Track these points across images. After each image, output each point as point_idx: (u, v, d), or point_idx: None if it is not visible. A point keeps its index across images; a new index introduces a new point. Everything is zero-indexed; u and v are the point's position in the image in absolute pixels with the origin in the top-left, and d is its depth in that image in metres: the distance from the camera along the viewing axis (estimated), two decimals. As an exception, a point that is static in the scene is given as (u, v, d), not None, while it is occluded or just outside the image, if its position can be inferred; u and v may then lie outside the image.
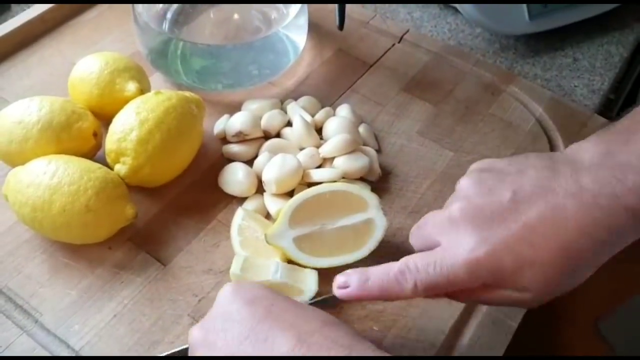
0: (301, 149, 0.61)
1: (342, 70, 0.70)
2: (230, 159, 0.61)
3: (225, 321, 0.40)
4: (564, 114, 0.67)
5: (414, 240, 0.45)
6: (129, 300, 0.51)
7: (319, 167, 0.60)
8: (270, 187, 0.57)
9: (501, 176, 0.42)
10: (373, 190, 0.57)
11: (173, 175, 0.58)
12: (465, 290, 0.41)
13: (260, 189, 0.58)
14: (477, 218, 0.41)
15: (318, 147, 0.60)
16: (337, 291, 0.44)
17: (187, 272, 0.53)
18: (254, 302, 0.40)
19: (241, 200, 0.58)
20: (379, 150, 0.62)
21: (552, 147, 0.64)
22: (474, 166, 0.46)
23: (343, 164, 0.59)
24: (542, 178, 0.41)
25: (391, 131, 0.64)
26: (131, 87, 0.59)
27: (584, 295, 0.79)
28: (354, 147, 0.59)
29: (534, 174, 0.41)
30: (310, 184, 0.57)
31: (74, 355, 0.48)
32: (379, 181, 0.59)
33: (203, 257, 0.54)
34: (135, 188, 0.56)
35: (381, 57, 0.71)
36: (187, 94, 0.59)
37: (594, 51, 0.77)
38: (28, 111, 0.55)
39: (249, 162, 0.60)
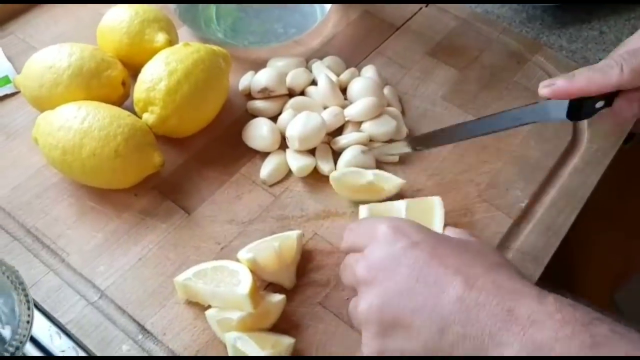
0: (325, 107, 0.61)
1: (368, 32, 0.70)
2: (254, 115, 0.62)
3: (391, 261, 0.41)
4: (588, 85, 0.66)
5: (615, 55, 0.46)
6: (154, 245, 0.52)
7: (342, 127, 0.61)
8: (293, 143, 0.57)
9: None
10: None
11: (199, 127, 0.59)
12: None
13: (283, 145, 0.59)
14: None
15: (342, 106, 0.61)
16: (542, 90, 0.46)
17: (211, 221, 0.54)
18: (418, 245, 0.41)
19: (264, 155, 0.59)
20: (402, 113, 0.63)
21: (575, 118, 0.64)
22: None
23: (370, 128, 0.59)
24: None
25: (415, 95, 0.65)
26: (160, 37, 0.59)
27: (599, 270, 0.80)
28: (379, 110, 0.60)
29: None
30: (337, 149, 0.59)
31: (99, 293, 0.50)
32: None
33: (226, 208, 0.55)
34: (161, 139, 0.57)
35: (408, 20, 0.71)
36: (215, 47, 0.60)
37: (620, 25, 0.76)
38: (59, 56, 0.56)
39: (273, 119, 0.61)
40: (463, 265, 0.39)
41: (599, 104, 0.46)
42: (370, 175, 0.55)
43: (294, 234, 0.52)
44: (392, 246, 0.41)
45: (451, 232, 0.49)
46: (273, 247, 0.50)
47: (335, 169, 0.57)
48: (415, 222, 0.44)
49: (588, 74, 0.45)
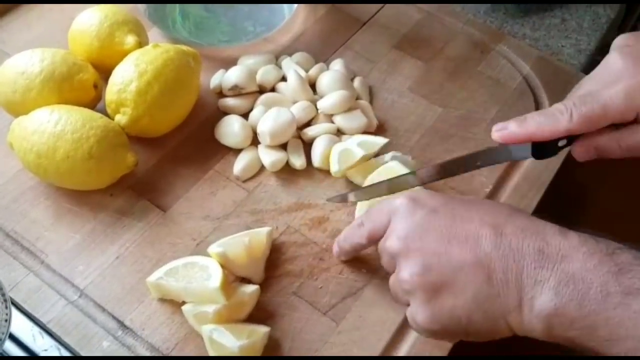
0: (295, 102, 0.63)
1: (336, 28, 0.72)
2: (226, 112, 0.63)
3: (419, 229, 0.42)
4: (550, 72, 0.69)
5: (567, 99, 0.46)
6: (130, 244, 0.54)
7: (312, 120, 0.62)
8: (264, 139, 0.59)
9: None
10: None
11: (171, 126, 0.60)
12: (620, 130, 0.44)
13: (255, 141, 0.61)
14: (634, 54, 0.45)
15: (312, 101, 0.63)
16: (495, 134, 0.47)
17: (186, 218, 0.56)
18: (437, 210, 0.43)
19: (236, 151, 0.60)
20: (371, 105, 0.64)
21: (537, 105, 0.66)
22: (617, 41, 0.48)
23: (342, 122, 0.61)
24: None
25: (383, 87, 0.66)
26: (130, 40, 0.60)
27: None
28: (351, 103, 0.62)
29: None
30: (307, 140, 0.60)
31: (79, 292, 0.51)
32: (372, 135, 0.62)
33: (201, 204, 0.57)
34: (134, 139, 0.58)
35: (374, 14, 0.73)
36: (184, 47, 0.61)
37: (581, 12, 0.78)
38: (31, 62, 0.57)
39: (244, 116, 0.62)
40: (486, 216, 0.42)
41: (562, 143, 0.47)
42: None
43: (264, 230, 0.53)
44: (414, 216, 0.43)
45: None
46: (243, 242, 0.51)
47: (307, 162, 0.59)
48: (427, 191, 0.46)
49: (539, 119, 0.46)
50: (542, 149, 0.47)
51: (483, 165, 0.50)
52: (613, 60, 0.46)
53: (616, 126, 0.45)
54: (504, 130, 0.47)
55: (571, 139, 0.47)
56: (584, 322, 0.37)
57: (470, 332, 0.41)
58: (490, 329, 0.40)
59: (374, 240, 0.47)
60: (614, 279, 0.37)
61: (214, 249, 0.50)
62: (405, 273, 0.42)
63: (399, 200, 0.45)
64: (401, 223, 0.44)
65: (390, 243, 0.44)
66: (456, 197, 0.46)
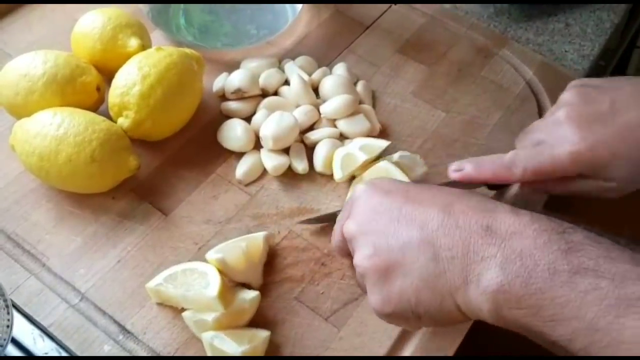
0: (297, 106, 0.62)
1: (339, 31, 0.71)
2: (228, 116, 0.63)
3: (372, 213, 0.43)
4: (554, 78, 0.68)
5: (519, 143, 0.53)
6: (132, 247, 0.54)
7: (314, 124, 0.62)
8: (267, 142, 0.59)
9: (600, 89, 0.50)
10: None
11: (174, 130, 0.60)
12: (564, 179, 0.49)
13: (257, 145, 0.60)
14: (580, 120, 0.49)
15: (314, 105, 0.62)
16: (453, 174, 0.51)
17: (188, 221, 0.56)
18: (391, 193, 0.44)
19: (239, 155, 0.60)
20: (374, 109, 0.64)
21: (540, 110, 0.66)
22: (571, 84, 0.53)
23: (345, 126, 0.61)
24: (637, 91, 0.49)
25: (386, 91, 0.66)
26: (133, 43, 0.60)
27: None
28: (354, 107, 0.61)
29: (629, 88, 0.50)
30: (309, 144, 0.60)
31: (80, 296, 0.51)
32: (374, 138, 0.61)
33: (202, 208, 0.57)
34: (137, 142, 0.58)
35: (377, 18, 0.73)
36: (188, 50, 0.61)
37: (585, 17, 0.78)
38: (33, 64, 0.57)
39: (247, 119, 0.62)
40: (437, 197, 0.42)
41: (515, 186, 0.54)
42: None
43: (260, 235, 0.53)
44: (370, 200, 0.44)
45: None
46: (240, 248, 0.51)
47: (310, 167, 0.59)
48: (389, 178, 0.47)
49: (493, 168, 0.50)
50: (495, 186, 0.54)
51: None
52: (561, 119, 0.50)
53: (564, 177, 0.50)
54: (462, 172, 0.51)
55: None
56: (530, 300, 0.36)
57: (420, 313, 0.41)
58: (439, 308, 0.40)
59: None
60: (563, 256, 0.36)
61: (212, 255, 0.50)
62: (358, 256, 0.43)
63: (358, 187, 0.46)
64: (358, 207, 0.44)
65: (347, 228, 0.44)
66: (415, 183, 0.48)
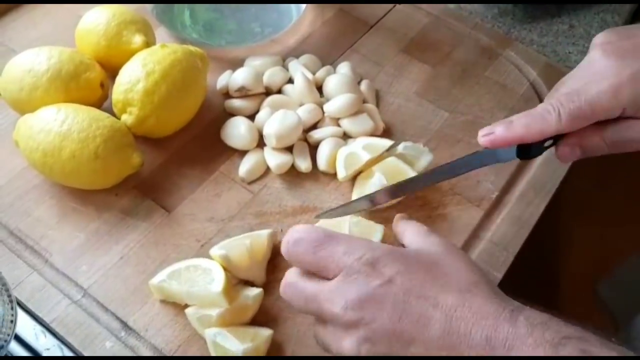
0: (301, 105, 0.62)
1: (343, 30, 0.71)
2: (232, 114, 0.63)
3: (372, 303, 0.40)
4: (557, 79, 0.67)
5: (553, 98, 0.46)
6: (135, 244, 0.54)
7: (318, 123, 0.62)
8: (270, 141, 0.59)
9: (631, 29, 0.46)
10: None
11: (177, 127, 0.60)
12: (604, 127, 0.44)
13: (260, 143, 0.60)
14: (617, 53, 0.44)
15: (318, 104, 0.62)
16: (482, 139, 0.46)
17: (191, 219, 0.56)
18: (394, 281, 0.40)
19: (242, 153, 0.60)
20: (377, 108, 0.64)
21: (544, 111, 0.66)
22: (599, 35, 0.47)
23: (348, 125, 0.61)
24: None
25: (390, 91, 0.66)
26: (138, 39, 0.60)
27: (581, 258, 0.83)
28: (358, 106, 0.61)
29: None
30: (312, 142, 0.60)
31: (82, 292, 0.51)
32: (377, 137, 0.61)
33: (206, 206, 0.57)
34: (140, 139, 0.58)
35: (382, 18, 0.73)
36: (192, 48, 0.61)
37: (589, 19, 0.78)
38: (37, 60, 0.57)
39: (251, 117, 0.62)
40: (440, 292, 0.39)
41: (548, 143, 0.47)
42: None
43: (265, 232, 0.53)
44: (368, 285, 0.40)
45: (410, 226, 0.47)
46: (244, 245, 0.51)
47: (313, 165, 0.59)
48: (382, 247, 0.42)
49: (526, 121, 0.45)
50: (527, 149, 0.46)
51: (468, 170, 0.49)
52: (596, 58, 0.45)
53: (600, 123, 0.45)
54: (491, 135, 0.46)
55: (556, 138, 0.46)
56: None
57: None
58: None
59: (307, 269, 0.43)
60: None
61: (216, 251, 0.50)
62: (352, 344, 0.40)
63: (351, 259, 0.40)
64: (352, 290, 0.40)
65: (337, 309, 0.40)
66: (415, 257, 0.42)
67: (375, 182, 0.55)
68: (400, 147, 0.58)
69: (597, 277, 0.85)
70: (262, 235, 0.53)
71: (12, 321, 0.40)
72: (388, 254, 0.41)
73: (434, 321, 0.39)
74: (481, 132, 0.47)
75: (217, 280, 0.47)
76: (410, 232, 0.46)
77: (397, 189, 0.52)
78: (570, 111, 0.44)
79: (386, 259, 0.41)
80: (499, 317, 0.38)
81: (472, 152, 0.49)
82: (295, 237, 0.43)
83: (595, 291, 0.84)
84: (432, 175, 0.51)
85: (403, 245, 0.47)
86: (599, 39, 0.47)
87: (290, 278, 0.43)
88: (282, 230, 0.56)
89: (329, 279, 0.42)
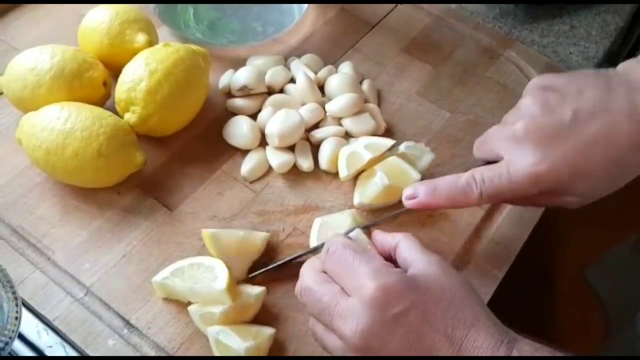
0: (303, 104, 0.63)
1: (345, 30, 0.72)
2: (234, 113, 0.63)
3: (385, 332, 0.40)
4: (558, 79, 0.69)
5: (477, 153, 0.51)
6: (137, 242, 0.54)
7: (320, 122, 0.62)
8: (273, 140, 0.59)
9: (562, 96, 0.47)
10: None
11: (180, 126, 0.60)
12: (524, 197, 0.48)
13: (263, 142, 0.61)
14: (540, 136, 0.46)
15: (320, 103, 0.63)
16: (406, 202, 0.49)
17: (193, 217, 0.56)
18: (409, 312, 0.40)
19: (244, 152, 0.60)
20: (379, 108, 0.64)
21: (545, 111, 0.66)
22: (533, 82, 0.50)
23: (350, 125, 0.61)
24: (599, 99, 0.46)
25: (391, 91, 0.67)
26: (140, 38, 0.60)
27: (570, 244, 0.83)
28: (360, 106, 0.62)
29: (592, 94, 0.47)
30: (314, 142, 0.60)
31: (85, 290, 0.51)
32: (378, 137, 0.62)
33: (208, 205, 0.57)
34: (143, 137, 0.58)
35: (383, 17, 0.73)
36: (194, 47, 0.61)
37: (590, 19, 0.78)
38: (41, 58, 0.57)
39: (253, 116, 0.62)
40: (449, 326, 0.40)
41: None
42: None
43: (262, 234, 0.53)
44: (384, 313, 0.40)
45: (403, 241, 0.46)
46: (238, 235, 0.52)
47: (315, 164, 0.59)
48: (400, 275, 0.42)
49: (449, 193, 0.48)
50: None
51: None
52: (520, 134, 0.47)
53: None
54: (415, 200, 0.49)
55: None
56: None
57: None
58: None
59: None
60: None
61: (209, 230, 0.51)
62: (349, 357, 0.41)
63: (371, 287, 0.40)
64: (366, 314, 0.40)
65: (347, 331, 0.40)
66: (430, 286, 0.42)
67: (377, 181, 0.56)
68: (402, 147, 0.58)
69: (586, 261, 0.85)
70: (258, 236, 0.53)
71: (16, 318, 0.40)
72: (405, 282, 0.41)
73: (442, 353, 0.40)
74: (405, 194, 0.50)
75: (221, 277, 0.48)
76: (405, 247, 0.45)
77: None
78: (492, 191, 0.47)
79: (403, 287, 0.41)
80: (496, 351, 0.40)
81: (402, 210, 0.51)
82: (332, 249, 0.44)
83: (584, 275, 0.84)
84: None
85: (394, 260, 0.46)
86: (525, 104, 0.49)
87: (308, 282, 0.44)
88: (283, 229, 0.56)
89: (344, 290, 0.42)
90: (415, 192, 0.49)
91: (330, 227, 0.54)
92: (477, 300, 0.42)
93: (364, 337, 0.40)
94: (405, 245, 0.45)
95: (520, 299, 0.69)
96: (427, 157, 0.58)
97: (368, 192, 0.56)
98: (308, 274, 0.44)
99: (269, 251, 0.54)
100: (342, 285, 0.42)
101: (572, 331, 0.77)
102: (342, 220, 0.54)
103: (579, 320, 0.79)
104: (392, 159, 0.57)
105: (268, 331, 0.48)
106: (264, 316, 0.51)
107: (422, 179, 0.56)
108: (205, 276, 0.48)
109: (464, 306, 0.41)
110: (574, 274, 0.84)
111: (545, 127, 0.46)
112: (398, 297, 0.40)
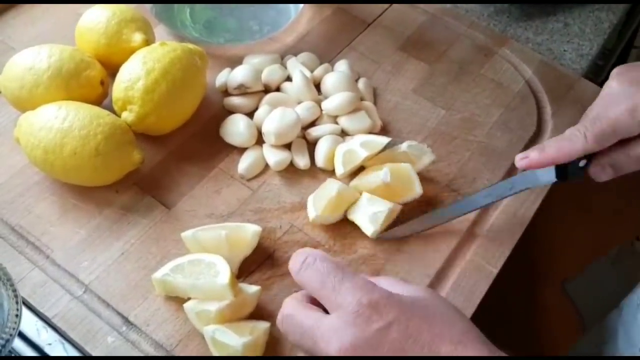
0: (300, 102, 0.63)
1: (341, 28, 0.72)
2: (231, 111, 0.63)
3: (368, 347, 0.39)
4: (553, 77, 0.69)
5: (580, 123, 0.51)
6: (135, 240, 0.54)
7: (316, 120, 0.63)
8: (269, 138, 0.59)
9: None
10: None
11: (177, 124, 0.60)
12: (630, 144, 0.50)
13: (259, 140, 0.61)
14: (632, 80, 0.50)
15: (316, 101, 0.63)
16: (520, 162, 0.52)
17: (191, 215, 0.56)
18: (392, 326, 0.40)
19: (241, 150, 0.61)
20: (375, 106, 0.65)
21: (540, 108, 0.67)
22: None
23: (346, 123, 0.62)
24: None
25: (387, 89, 0.67)
26: (137, 37, 0.61)
27: (552, 257, 0.84)
28: (356, 104, 0.62)
29: None
30: (311, 140, 0.61)
31: (84, 287, 0.51)
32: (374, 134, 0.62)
33: (205, 202, 0.57)
34: (140, 136, 0.59)
35: (379, 16, 0.74)
36: (191, 46, 0.61)
37: (584, 17, 0.79)
38: (38, 58, 0.57)
39: (250, 115, 0.62)
40: (434, 343, 0.40)
41: (582, 163, 0.52)
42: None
43: (251, 227, 0.53)
44: (367, 327, 0.39)
45: (382, 280, 0.45)
46: (219, 234, 0.52)
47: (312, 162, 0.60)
48: (382, 290, 0.41)
49: (556, 143, 0.51)
50: (564, 171, 0.51)
51: (510, 194, 0.54)
52: (613, 85, 0.51)
53: (624, 142, 0.50)
54: (526, 159, 0.52)
55: (589, 159, 0.52)
56: None
57: None
58: None
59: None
60: None
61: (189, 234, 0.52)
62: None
63: (354, 301, 0.40)
64: (349, 331, 0.39)
65: (331, 350, 0.40)
66: (414, 302, 0.42)
67: (380, 174, 0.56)
68: (404, 146, 0.58)
69: (568, 275, 0.85)
70: (247, 231, 0.53)
71: (17, 315, 0.41)
72: (387, 297, 0.41)
73: None
74: (518, 157, 0.52)
75: (223, 272, 0.48)
76: (387, 282, 0.44)
77: (452, 212, 0.56)
78: (595, 132, 0.49)
79: (385, 302, 0.40)
80: None
81: (517, 175, 0.54)
82: (309, 261, 0.43)
83: (565, 289, 0.85)
84: (480, 198, 0.55)
85: None
86: (615, 71, 0.53)
87: (288, 310, 0.43)
88: (280, 226, 0.56)
89: (326, 310, 0.42)
90: (527, 153, 0.52)
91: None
92: (464, 319, 0.42)
93: (346, 350, 0.39)
94: (386, 280, 0.45)
95: (501, 312, 0.70)
96: (427, 158, 0.59)
97: (368, 180, 0.57)
98: (289, 304, 0.44)
99: (265, 248, 0.55)
100: (322, 300, 0.42)
101: (550, 342, 0.78)
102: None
103: (556, 330, 0.80)
104: (406, 166, 0.57)
105: (263, 325, 0.49)
106: (261, 313, 0.51)
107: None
108: (206, 272, 0.49)
109: (450, 323, 0.41)
110: (556, 288, 0.85)
111: (636, 75, 0.51)
112: (381, 311, 0.40)
